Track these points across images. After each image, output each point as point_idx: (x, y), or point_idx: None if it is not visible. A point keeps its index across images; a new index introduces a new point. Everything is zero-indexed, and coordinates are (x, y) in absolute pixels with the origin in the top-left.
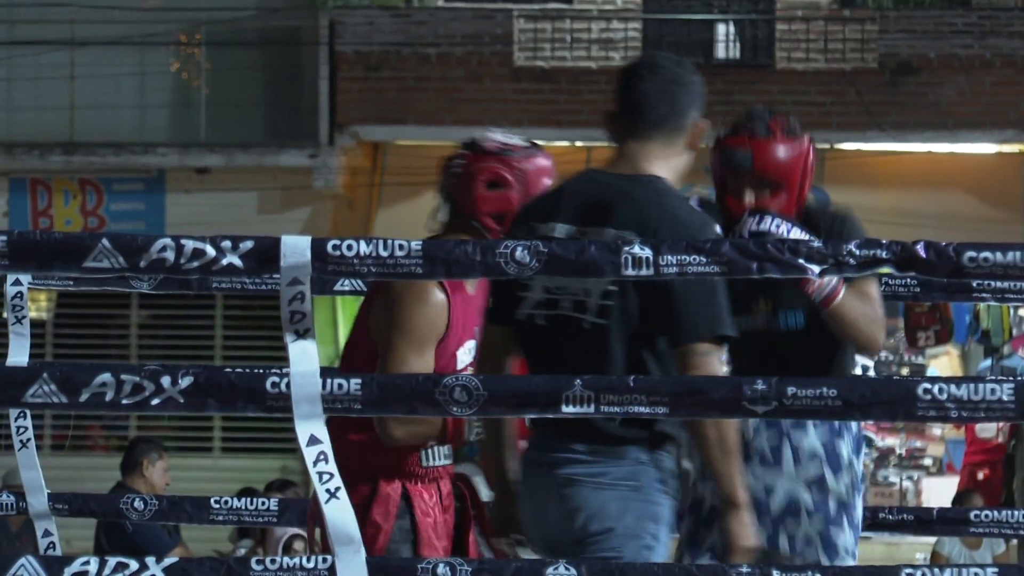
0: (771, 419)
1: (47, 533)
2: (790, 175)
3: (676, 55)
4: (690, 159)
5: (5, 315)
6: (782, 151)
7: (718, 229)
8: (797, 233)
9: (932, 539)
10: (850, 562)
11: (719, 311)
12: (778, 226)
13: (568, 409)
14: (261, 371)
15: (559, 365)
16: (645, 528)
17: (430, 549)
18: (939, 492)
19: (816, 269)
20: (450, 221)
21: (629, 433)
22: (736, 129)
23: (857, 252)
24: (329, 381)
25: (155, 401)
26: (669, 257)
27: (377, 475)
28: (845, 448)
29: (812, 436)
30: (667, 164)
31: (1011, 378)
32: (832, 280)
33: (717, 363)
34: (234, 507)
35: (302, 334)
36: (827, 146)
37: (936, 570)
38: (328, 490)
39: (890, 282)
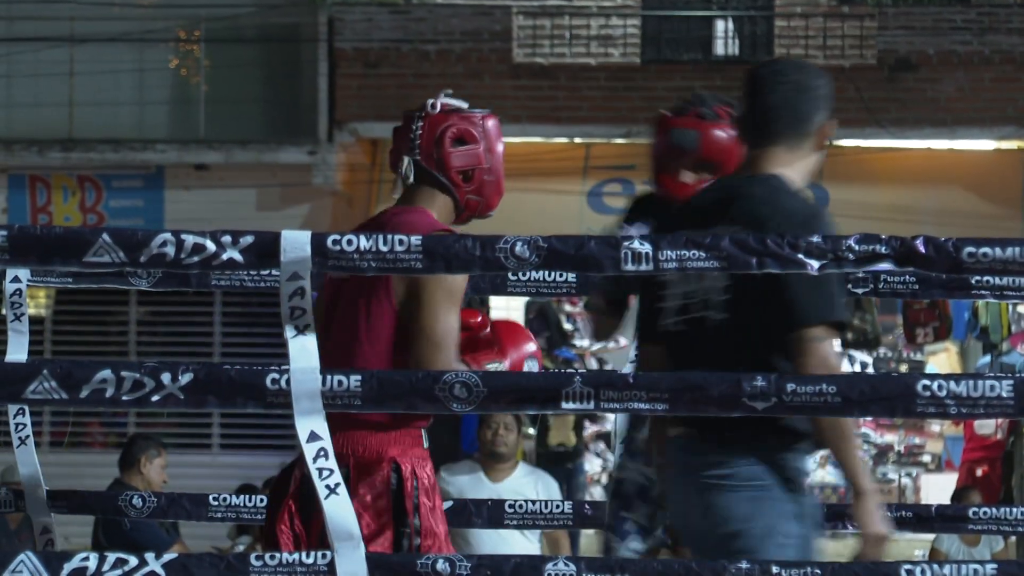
0: None
1: (46, 530)
2: (729, 159)
3: (801, 59)
4: (820, 159)
5: (4, 312)
6: (727, 135)
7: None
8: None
9: (931, 536)
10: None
11: (832, 296)
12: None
13: (568, 406)
14: (261, 367)
15: (699, 367)
16: (777, 527)
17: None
18: (938, 489)
19: (815, 264)
20: (418, 184)
21: (756, 432)
22: (682, 110)
23: (856, 248)
24: (329, 377)
25: (155, 398)
26: (668, 252)
27: (397, 456)
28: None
29: None
30: (793, 167)
31: (1010, 375)
32: None
33: (830, 348)
34: (232, 504)
35: (302, 330)
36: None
37: (935, 567)
38: (328, 486)
39: (889, 279)
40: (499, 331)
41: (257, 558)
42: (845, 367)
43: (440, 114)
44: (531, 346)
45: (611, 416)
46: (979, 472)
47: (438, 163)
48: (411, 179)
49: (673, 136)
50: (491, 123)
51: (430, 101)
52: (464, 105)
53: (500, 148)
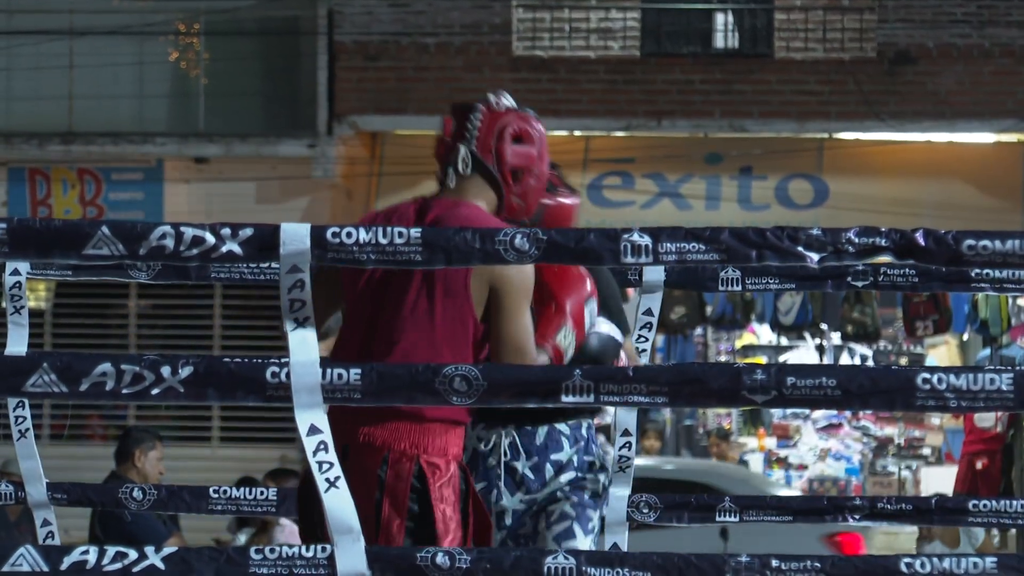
0: (526, 443)
1: (46, 523)
2: (556, 223)
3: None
4: None
5: (4, 305)
6: (553, 202)
7: None
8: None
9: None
10: (589, 540)
11: None
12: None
13: (567, 399)
14: (261, 360)
15: None
16: None
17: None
18: (938, 481)
19: (815, 257)
20: (471, 176)
21: None
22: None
23: (856, 240)
24: (329, 371)
25: (155, 391)
26: (668, 245)
27: (454, 455)
28: (592, 459)
29: (566, 451)
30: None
31: (1010, 368)
32: None
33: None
34: (233, 496)
35: (302, 322)
36: (825, 136)
37: (935, 560)
38: (328, 479)
39: (889, 272)
40: (551, 285)
41: (257, 551)
42: (845, 360)
43: (502, 111)
44: (585, 287)
45: (611, 409)
46: (979, 465)
47: (495, 157)
48: (467, 170)
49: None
50: (543, 130)
51: (491, 96)
52: (520, 107)
53: (548, 159)
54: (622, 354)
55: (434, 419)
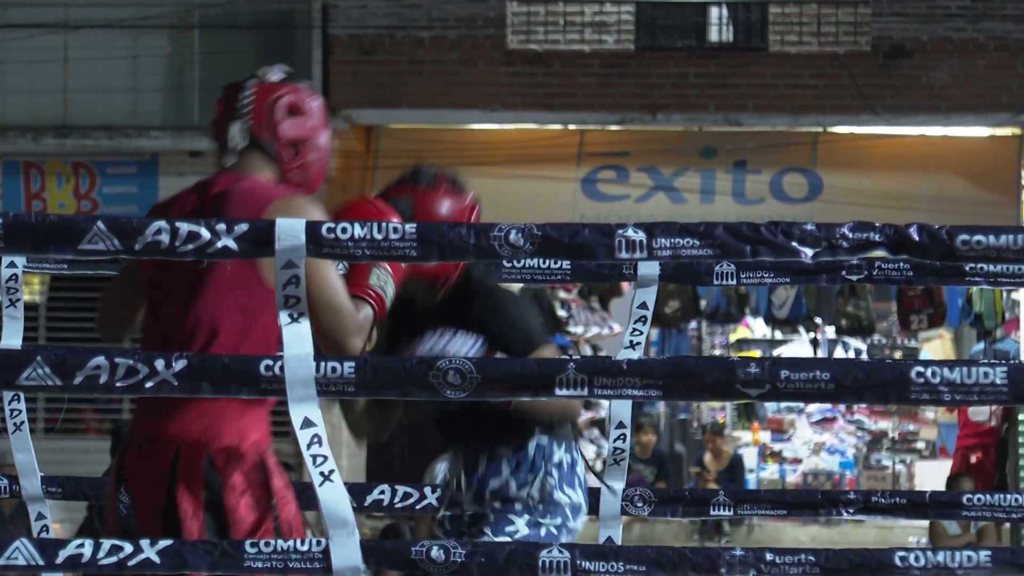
0: (469, 471)
1: (40, 516)
2: None
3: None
4: None
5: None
6: (444, 205)
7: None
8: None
9: (926, 523)
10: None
11: None
12: (454, 345)
13: (561, 392)
14: (255, 354)
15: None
16: None
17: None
18: (932, 475)
19: (809, 252)
20: (249, 152)
21: None
22: (401, 180)
23: (850, 235)
24: (323, 364)
25: (149, 384)
26: (663, 240)
27: (255, 441)
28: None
29: (504, 475)
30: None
31: (1004, 361)
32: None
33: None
34: None
35: (296, 317)
36: (820, 129)
37: (929, 553)
38: (322, 473)
39: (883, 265)
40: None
41: (252, 545)
42: (839, 353)
43: (272, 84)
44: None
45: (605, 403)
46: (973, 458)
47: (269, 130)
48: (241, 145)
49: (391, 206)
50: (321, 102)
51: (261, 70)
52: (296, 78)
53: (327, 132)
54: None
55: (229, 401)
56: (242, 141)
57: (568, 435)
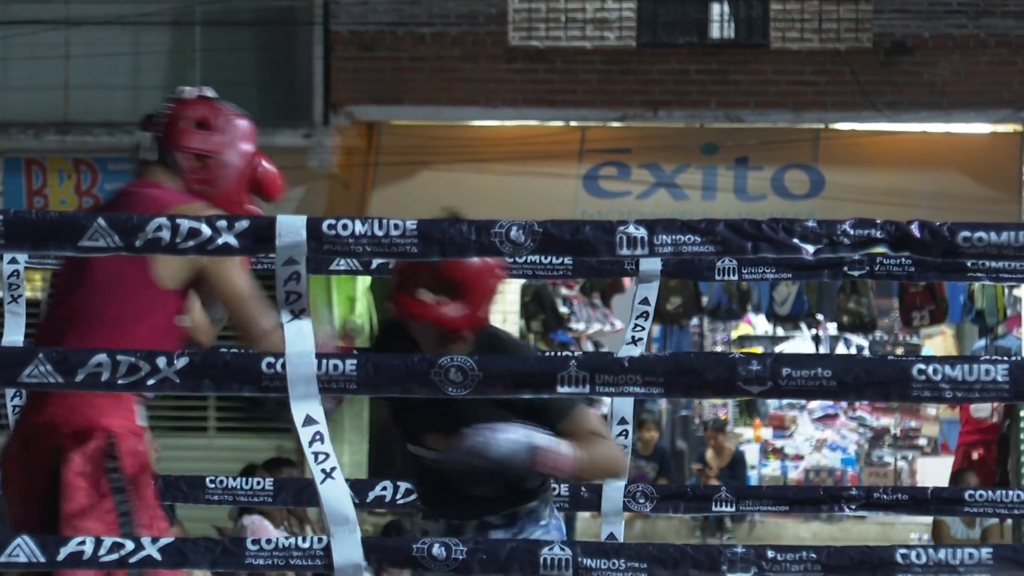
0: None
1: None
2: (471, 281)
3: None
4: None
5: (1, 294)
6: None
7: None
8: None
9: (927, 519)
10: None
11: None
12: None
13: (563, 390)
14: (256, 351)
15: None
16: None
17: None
18: (934, 472)
19: (811, 249)
20: (157, 162)
21: None
22: None
23: (851, 232)
24: (324, 361)
25: (151, 381)
26: (664, 237)
27: (108, 425)
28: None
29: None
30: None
31: (1006, 358)
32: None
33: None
34: (229, 487)
35: (297, 314)
36: (822, 126)
37: (931, 551)
38: (324, 470)
39: (885, 262)
40: None
41: (253, 542)
42: (841, 350)
43: (190, 101)
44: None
45: (607, 400)
46: (975, 455)
47: (175, 139)
48: (150, 155)
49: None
50: (241, 122)
51: (184, 88)
52: (217, 98)
53: (246, 149)
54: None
55: (81, 393)
56: (151, 151)
57: (551, 498)
